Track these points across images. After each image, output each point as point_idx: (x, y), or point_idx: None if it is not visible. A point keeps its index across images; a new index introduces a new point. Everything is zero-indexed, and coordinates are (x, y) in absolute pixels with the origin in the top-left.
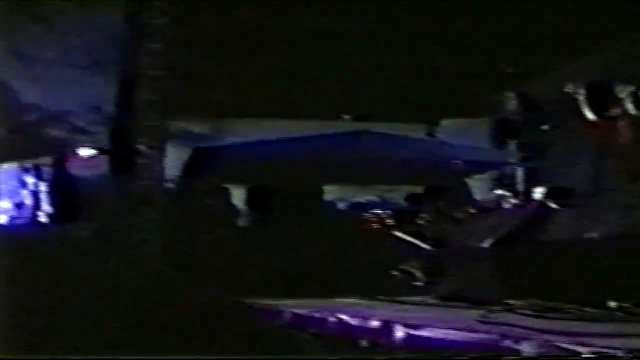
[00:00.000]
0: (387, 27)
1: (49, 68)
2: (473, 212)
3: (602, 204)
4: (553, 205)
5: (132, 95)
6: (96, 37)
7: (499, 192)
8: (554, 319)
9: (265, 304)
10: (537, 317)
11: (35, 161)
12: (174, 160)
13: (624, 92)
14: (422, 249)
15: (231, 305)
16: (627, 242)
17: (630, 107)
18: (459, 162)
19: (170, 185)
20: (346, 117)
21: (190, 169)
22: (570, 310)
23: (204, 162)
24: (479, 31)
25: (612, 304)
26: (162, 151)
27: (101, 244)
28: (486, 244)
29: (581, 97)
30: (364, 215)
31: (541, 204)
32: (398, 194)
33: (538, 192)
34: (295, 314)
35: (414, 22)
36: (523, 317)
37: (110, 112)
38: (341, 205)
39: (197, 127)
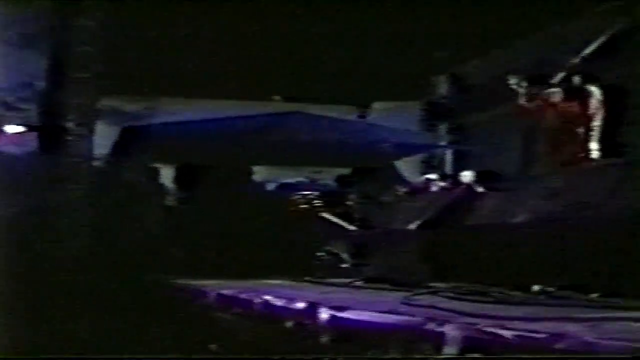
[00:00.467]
0: (322, 11)
1: None
2: (401, 194)
3: (528, 189)
4: (480, 189)
5: (63, 73)
6: (26, 13)
7: (428, 175)
8: (477, 301)
9: (191, 284)
10: (461, 299)
11: None
12: (102, 138)
13: (554, 79)
14: (350, 230)
15: (156, 284)
16: (551, 227)
17: (560, 93)
18: (388, 144)
19: (98, 163)
20: (277, 97)
21: (119, 147)
22: (494, 294)
23: (133, 141)
24: (412, 16)
25: (536, 287)
26: (91, 129)
27: (29, 222)
28: (412, 226)
29: (512, 83)
30: (293, 197)
31: (468, 187)
32: (327, 176)
33: (466, 176)
34: (220, 295)
35: (351, 9)
36: (446, 300)
37: (41, 88)
38: (270, 186)
39: (126, 106)
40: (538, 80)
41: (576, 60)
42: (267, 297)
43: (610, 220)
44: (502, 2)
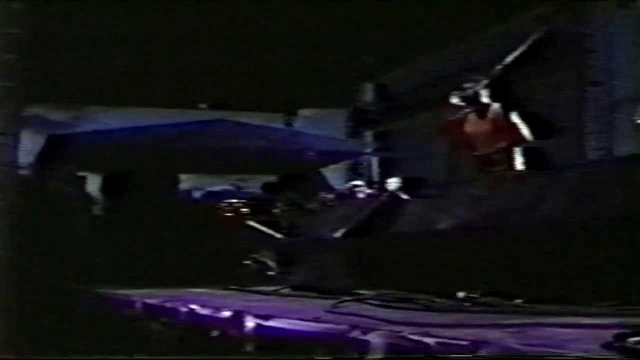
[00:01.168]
0: (247, 19)
1: None
2: (326, 202)
3: (451, 195)
4: (404, 196)
5: None
6: None
7: (353, 182)
8: (402, 309)
9: (117, 294)
10: (385, 307)
11: None
12: (27, 147)
13: (477, 84)
14: (276, 238)
15: (81, 293)
16: (475, 233)
17: (481, 99)
18: (313, 152)
19: (24, 172)
20: (203, 105)
21: (44, 156)
22: (420, 301)
23: (59, 149)
24: (339, 23)
25: (461, 294)
26: (15, 138)
27: None
28: (338, 234)
29: (435, 89)
30: (219, 204)
31: (392, 194)
32: (253, 183)
33: (392, 183)
34: (146, 304)
35: (276, 14)
36: (372, 307)
37: None
38: (196, 194)
39: (51, 114)
40: (461, 85)
41: (498, 68)
42: (193, 306)
43: (533, 227)
44: (428, 9)
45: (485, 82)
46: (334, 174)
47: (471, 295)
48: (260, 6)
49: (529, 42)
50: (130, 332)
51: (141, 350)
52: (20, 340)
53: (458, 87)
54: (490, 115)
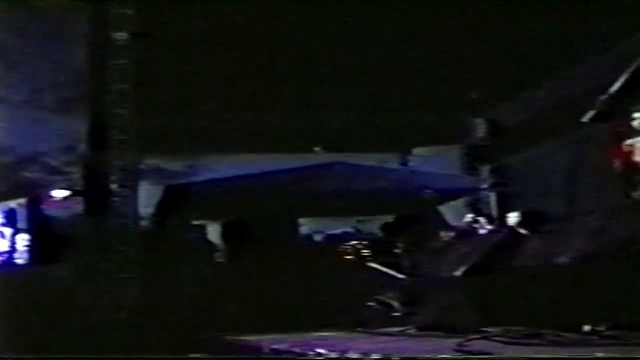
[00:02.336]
0: (357, 60)
1: (18, 110)
2: (446, 239)
3: (570, 228)
4: (523, 231)
5: (103, 135)
6: (62, 78)
7: (472, 218)
8: (530, 345)
9: (244, 340)
10: (512, 344)
11: (11, 203)
12: (147, 198)
13: (590, 115)
14: (398, 278)
15: (210, 341)
16: (596, 265)
17: (597, 131)
18: (430, 191)
19: (144, 223)
20: (317, 148)
21: (163, 206)
22: (546, 336)
23: (177, 199)
24: (444, 60)
25: (587, 327)
26: (134, 190)
27: (80, 284)
28: (459, 272)
29: (545, 120)
30: (340, 247)
31: (512, 230)
32: (372, 225)
33: (512, 218)
34: (274, 350)
35: (380, 55)
36: (499, 345)
37: (82, 152)
38: (317, 237)
39: (168, 165)
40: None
41: (606, 96)
42: (321, 350)
43: None
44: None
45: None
46: (451, 212)
47: (597, 328)
48: (370, 48)
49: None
50: None
51: None
52: None
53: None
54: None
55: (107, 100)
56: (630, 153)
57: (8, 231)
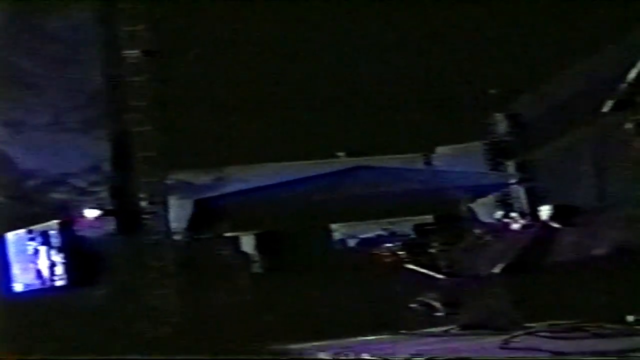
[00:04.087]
0: (375, 64)
1: (41, 133)
2: (479, 237)
3: (603, 219)
4: (556, 225)
5: (127, 153)
6: (81, 99)
7: (504, 214)
8: (574, 339)
9: (288, 349)
10: (557, 338)
11: (42, 226)
12: (177, 213)
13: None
14: (437, 279)
15: (254, 351)
16: (633, 255)
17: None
18: (458, 189)
19: (178, 238)
20: (340, 154)
21: (195, 220)
22: (590, 329)
23: (208, 212)
24: (462, 57)
25: (630, 318)
26: (164, 206)
27: (118, 302)
28: (497, 269)
29: (565, 112)
30: (375, 250)
31: (545, 224)
32: (405, 226)
33: (544, 212)
34: (319, 358)
35: (397, 57)
36: (544, 340)
37: (108, 171)
38: (350, 242)
39: (195, 179)
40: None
41: (625, 84)
42: (365, 356)
43: None
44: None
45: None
46: (482, 209)
47: None
48: (385, 52)
49: None
50: None
51: None
52: None
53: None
54: None
55: (127, 119)
56: None
57: (43, 253)
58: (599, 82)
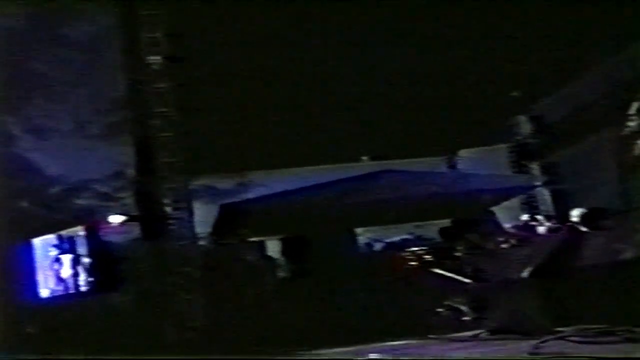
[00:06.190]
0: (395, 68)
1: (64, 139)
2: (507, 241)
3: (629, 222)
4: (583, 229)
5: (151, 159)
6: (104, 105)
7: (529, 217)
8: (604, 343)
9: (315, 354)
10: (587, 342)
11: (68, 232)
12: (202, 218)
13: (636, 107)
14: (464, 283)
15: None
16: None
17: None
18: (483, 192)
19: (203, 243)
20: (364, 157)
21: (220, 225)
22: (620, 333)
23: (233, 217)
24: (484, 59)
25: None
26: (189, 211)
27: (145, 308)
28: (525, 273)
29: (589, 114)
30: (401, 255)
31: (572, 227)
32: (430, 230)
33: (569, 215)
34: None
35: (418, 59)
36: (574, 345)
37: (132, 177)
38: (376, 246)
39: (219, 183)
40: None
41: None
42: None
43: None
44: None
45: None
46: (507, 212)
47: None
48: (407, 56)
49: None
50: None
51: None
52: None
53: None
54: None
55: (151, 124)
56: None
57: (68, 259)
58: (624, 83)
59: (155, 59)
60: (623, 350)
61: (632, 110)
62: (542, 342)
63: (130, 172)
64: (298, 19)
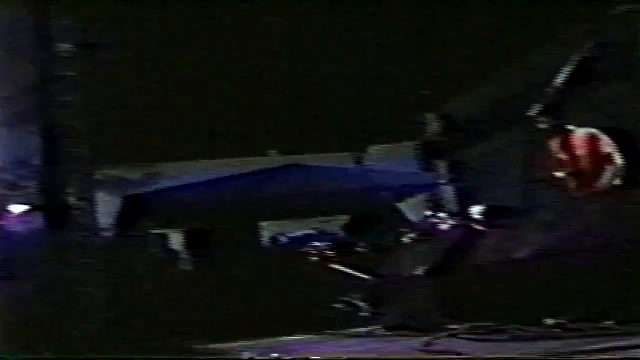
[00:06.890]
0: (305, 59)
1: None
2: (407, 238)
3: (526, 223)
4: (480, 227)
5: (57, 148)
6: (11, 91)
7: (431, 215)
8: (495, 340)
9: (213, 348)
10: (480, 340)
11: None
12: (105, 209)
13: (539, 106)
14: (363, 279)
15: (178, 349)
16: (553, 259)
17: (547, 121)
18: (389, 188)
19: (106, 234)
20: (272, 152)
21: (123, 217)
22: (510, 331)
23: (137, 209)
24: (394, 57)
25: (549, 321)
26: (92, 202)
27: (43, 299)
28: (420, 271)
29: (498, 114)
30: (303, 250)
31: (469, 226)
32: (334, 226)
33: (470, 213)
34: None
35: (329, 55)
36: (466, 342)
37: (37, 165)
38: (279, 241)
39: (124, 174)
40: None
41: (550, 89)
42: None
43: (613, 246)
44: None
45: (541, 106)
46: (411, 209)
47: (559, 321)
48: (317, 49)
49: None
50: None
51: None
52: None
53: (522, 109)
54: (574, 135)
55: (58, 113)
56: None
57: None
58: (530, 85)
59: (65, 46)
60: (512, 347)
61: (540, 110)
62: (434, 338)
63: (35, 160)
64: (209, 13)
